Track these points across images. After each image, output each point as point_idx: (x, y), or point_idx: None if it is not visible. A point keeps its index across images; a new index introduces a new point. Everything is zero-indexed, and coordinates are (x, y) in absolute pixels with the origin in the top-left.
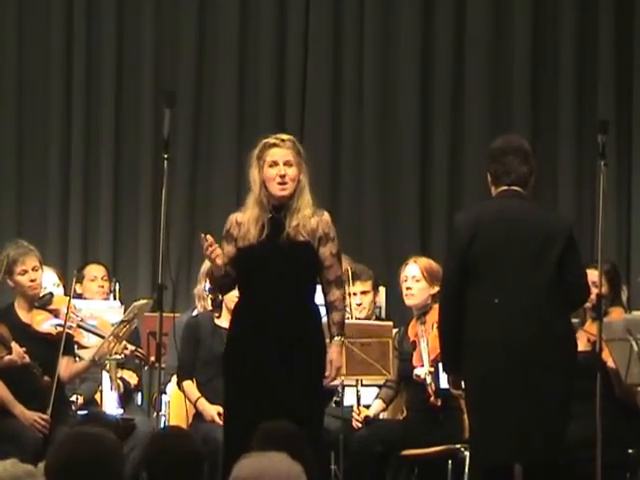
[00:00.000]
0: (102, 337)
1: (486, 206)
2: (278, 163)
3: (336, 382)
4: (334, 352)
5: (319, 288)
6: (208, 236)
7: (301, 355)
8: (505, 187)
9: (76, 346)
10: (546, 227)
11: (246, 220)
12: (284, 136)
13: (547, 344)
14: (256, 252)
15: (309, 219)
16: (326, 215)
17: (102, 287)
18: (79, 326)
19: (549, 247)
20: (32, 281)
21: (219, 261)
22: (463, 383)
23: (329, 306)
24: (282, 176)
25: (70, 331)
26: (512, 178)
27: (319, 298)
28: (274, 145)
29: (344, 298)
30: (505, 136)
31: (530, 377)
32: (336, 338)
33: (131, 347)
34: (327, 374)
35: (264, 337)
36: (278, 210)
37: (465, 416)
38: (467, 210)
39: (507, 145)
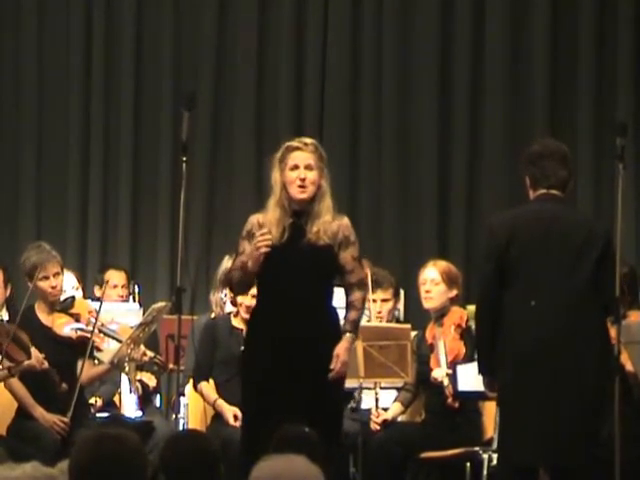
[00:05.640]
0: (121, 342)
1: (523, 208)
2: (299, 166)
3: (355, 385)
4: (341, 347)
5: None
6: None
7: (319, 358)
8: (543, 191)
9: (95, 350)
10: (585, 229)
11: (267, 221)
12: (307, 140)
13: (583, 346)
14: (277, 254)
15: (329, 224)
16: (346, 219)
17: (121, 296)
18: (100, 330)
19: (588, 248)
20: (53, 288)
21: (264, 250)
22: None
23: (348, 305)
24: (302, 179)
25: (89, 335)
26: (551, 182)
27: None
28: (296, 148)
29: (364, 299)
30: (544, 140)
31: (565, 379)
32: (347, 334)
33: (150, 354)
34: (332, 367)
35: (282, 339)
36: (299, 215)
37: (483, 418)
38: (503, 213)
39: (546, 149)
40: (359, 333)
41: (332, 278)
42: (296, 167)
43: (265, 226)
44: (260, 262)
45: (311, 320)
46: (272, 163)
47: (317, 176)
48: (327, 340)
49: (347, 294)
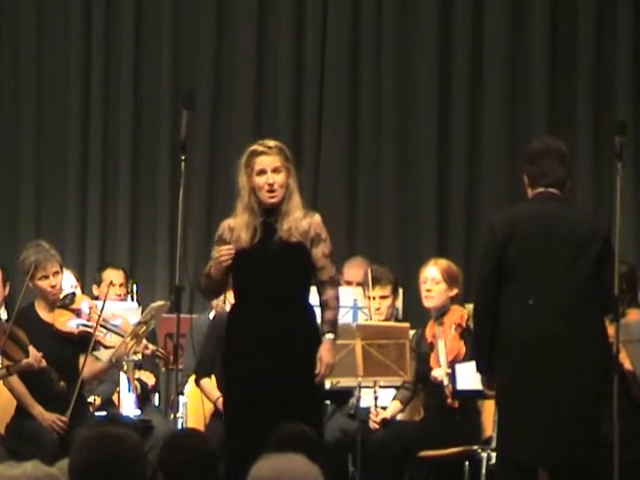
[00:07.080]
0: (123, 337)
1: (522, 207)
2: (266, 171)
3: (353, 384)
4: (324, 349)
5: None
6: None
7: (297, 356)
8: (541, 189)
9: (101, 347)
10: (585, 228)
11: (237, 225)
12: (271, 142)
13: (581, 344)
14: (249, 256)
15: (300, 221)
16: (317, 216)
17: (119, 295)
18: (101, 326)
19: (587, 247)
20: (52, 287)
21: (225, 264)
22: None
23: (322, 305)
24: (270, 184)
25: (90, 330)
26: (549, 180)
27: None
28: (261, 153)
29: (337, 297)
30: (543, 138)
31: (564, 378)
32: (327, 335)
33: (152, 347)
34: (317, 371)
35: (260, 340)
36: (269, 214)
37: (482, 417)
38: (502, 211)
39: (545, 147)
40: (358, 332)
41: (307, 275)
42: (263, 172)
43: (236, 230)
44: (223, 271)
45: (287, 317)
46: (238, 168)
47: (284, 177)
48: (304, 337)
49: (319, 293)
